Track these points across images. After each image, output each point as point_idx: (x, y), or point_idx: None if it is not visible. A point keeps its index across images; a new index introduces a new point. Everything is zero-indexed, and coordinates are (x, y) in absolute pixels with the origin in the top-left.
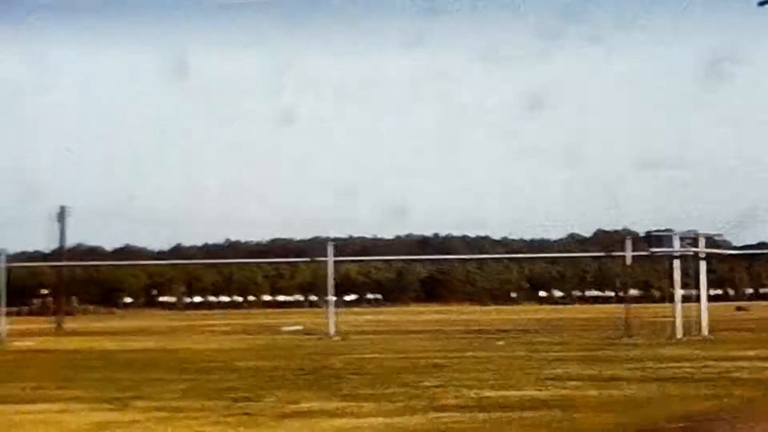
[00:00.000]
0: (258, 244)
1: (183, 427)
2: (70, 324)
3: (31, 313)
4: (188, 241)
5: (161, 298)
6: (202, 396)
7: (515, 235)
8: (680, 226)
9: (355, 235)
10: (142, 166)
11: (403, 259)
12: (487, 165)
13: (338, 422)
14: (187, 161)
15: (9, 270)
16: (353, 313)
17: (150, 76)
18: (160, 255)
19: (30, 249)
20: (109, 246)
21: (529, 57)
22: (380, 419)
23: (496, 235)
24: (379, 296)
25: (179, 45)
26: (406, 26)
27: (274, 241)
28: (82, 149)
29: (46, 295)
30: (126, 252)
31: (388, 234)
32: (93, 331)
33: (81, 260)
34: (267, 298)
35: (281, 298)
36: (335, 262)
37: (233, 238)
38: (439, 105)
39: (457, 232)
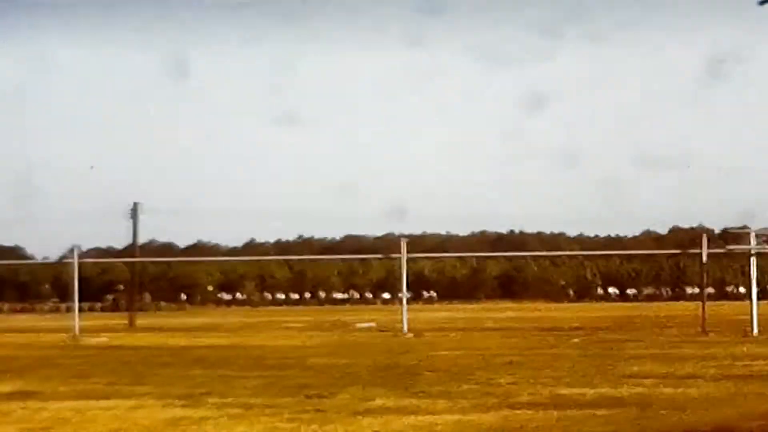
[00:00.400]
0: (331, 240)
1: (255, 424)
2: (142, 320)
3: (103, 310)
4: (261, 237)
5: (233, 295)
6: (275, 393)
7: (590, 232)
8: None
9: (429, 231)
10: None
11: (476, 256)
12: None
13: (412, 419)
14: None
15: (82, 266)
16: (427, 309)
17: (149, 75)
18: (233, 251)
19: (103, 245)
20: (181, 242)
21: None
22: (454, 416)
23: (572, 232)
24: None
25: (179, 44)
26: (407, 25)
27: (347, 237)
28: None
29: (119, 291)
30: (198, 248)
31: (463, 231)
32: (165, 328)
33: (153, 257)
34: (340, 294)
35: (354, 294)
36: (408, 258)
37: (306, 234)
38: (439, 104)
39: (531, 229)
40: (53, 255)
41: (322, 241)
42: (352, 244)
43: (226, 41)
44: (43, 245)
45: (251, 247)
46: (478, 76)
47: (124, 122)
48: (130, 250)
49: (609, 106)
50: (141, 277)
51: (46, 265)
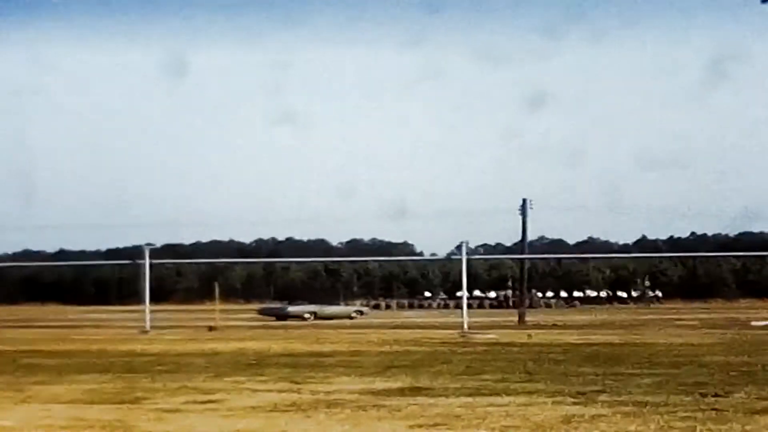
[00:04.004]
0: (726, 237)
1: (649, 422)
2: (531, 317)
3: (492, 306)
4: (653, 234)
5: (624, 292)
6: (669, 391)
7: None
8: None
9: None
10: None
11: None
12: None
13: None
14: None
15: (470, 262)
16: None
17: (149, 74)
18: (624, 248)
19: (491, 242)
20: (571, 239)
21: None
22: None
23: None
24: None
25: (179, 43)
26: (407, 25)
27: (742, 234)
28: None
29: (507, 287)
30: (589, 245)
31: None
32: (554, 325)
33: (543, 253)
34: (733, 292)
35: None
36: None
37: (699, 231)
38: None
39: None
40: (441, 251)
41: (716, 237)
42: (749, 240)
43: (226, 41)
44: (432, 241)
45: (643, 244)
46: (478, 75)
47: (125, 121)
48: (519, 246)
49: (609, 106)
50: (530, 274)
51: (434, 262)
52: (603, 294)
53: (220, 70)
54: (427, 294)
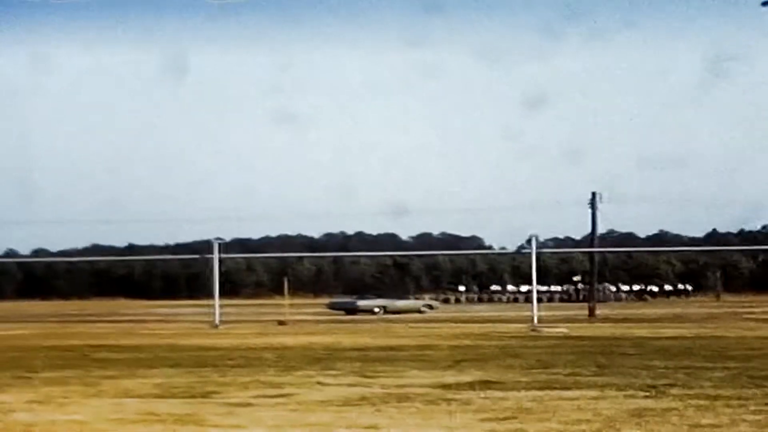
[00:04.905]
0: None
1: (720, 415)
2: (601, 310)
3: (562, 300)
4: (724, 227)
5: (695, 285)
6: (740, 384)
7: None
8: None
9: None
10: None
11: None
12: None
13: None
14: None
15: (540, 256)
16: None
17: (149, 74)
18: (694, 241)
19: (561, 235)
20: (642, 232)
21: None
22: None
23: None
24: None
25: (179, 43)
26: (407, 25)
27: None
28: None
29: (577, 281)
30: (660, 238)
31: None
32: (625, 318)
33: (613, 246)
34: None
35: None
36: None
37: None
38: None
39: None
40: (511, 245)
41: None
42: None
43: (226, 41)
44: (501, 235)
45: (714, 237)
46: (479, 75)
47: (123, 122)
48: (589, 239)
49: (609, 106)
50: (600, 267)
51: (504, 255)
52: (673, 287)
53: (221, 70)
54: (497, 288)
